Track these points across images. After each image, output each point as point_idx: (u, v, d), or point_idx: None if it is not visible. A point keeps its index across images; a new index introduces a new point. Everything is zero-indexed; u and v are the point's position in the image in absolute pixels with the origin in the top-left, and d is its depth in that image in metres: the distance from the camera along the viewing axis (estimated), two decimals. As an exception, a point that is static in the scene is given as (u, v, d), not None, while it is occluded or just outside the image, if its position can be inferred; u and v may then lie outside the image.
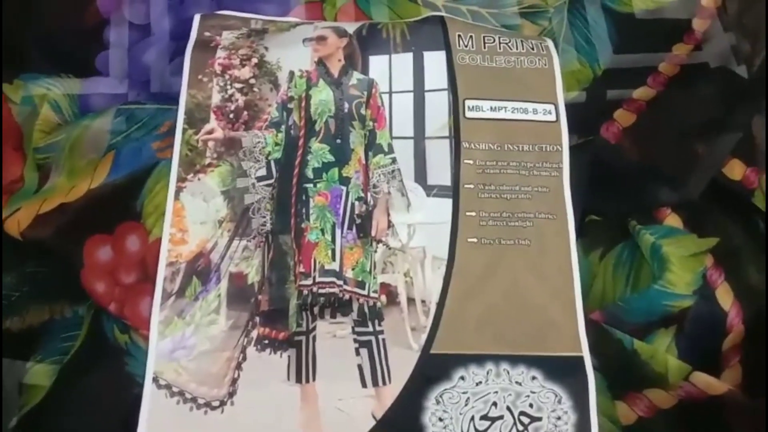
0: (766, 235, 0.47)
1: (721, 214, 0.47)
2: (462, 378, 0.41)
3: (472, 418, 0.40)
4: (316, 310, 0.42)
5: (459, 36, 0.49)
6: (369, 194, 0.45)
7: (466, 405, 0.40)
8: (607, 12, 0.52)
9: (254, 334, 0.42)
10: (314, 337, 0.42)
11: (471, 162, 0.46)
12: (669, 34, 0.52)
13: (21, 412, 0.43)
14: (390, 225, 0.45)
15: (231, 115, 0.46)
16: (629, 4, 0.53)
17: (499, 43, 0.49)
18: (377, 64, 0.48)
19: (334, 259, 0.44)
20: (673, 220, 0.46)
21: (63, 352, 0.44)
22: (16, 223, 0.44)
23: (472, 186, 0.45)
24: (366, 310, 0.43)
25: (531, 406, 0.41)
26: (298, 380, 0.41)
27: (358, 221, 0.45)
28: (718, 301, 0.44)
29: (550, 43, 0.50)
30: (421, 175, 0.46)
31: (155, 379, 0.40)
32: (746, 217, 0.48)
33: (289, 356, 0.41)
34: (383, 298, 0.43)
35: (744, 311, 0.44)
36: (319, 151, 0.46)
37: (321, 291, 0.43)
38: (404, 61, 0.48)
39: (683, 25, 0.52)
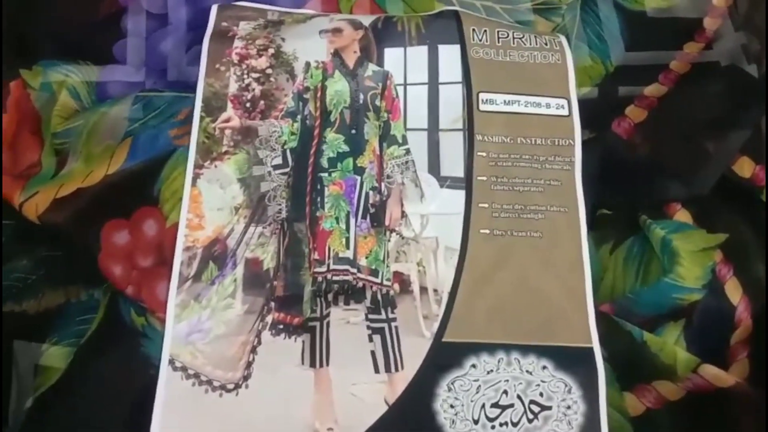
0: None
1: (730, 210, 0.48)
2: (473, 366, 0.41)
3: (483, 406, 0.41)
4: (330, 296, 0.43)
5: (473, 30, 0.50)
6: (383, 184, 0.46)
7: (477, 392, 0.41)
8: (619, 10, 0.53)
9: (269, 318, 0.42)
10: (328, 323, 0.42)
11: (484, 154, 0.46)
12: (680, 32, 0.53)
13: (36, 393, 0.43)
14: (403, 215, 0.45)
15: (248, 104, 0.47)
16: (641, 3, 0.53)
17: (513, 38, 0.50)
18: (392, 56, 0.49)
19: (348, 247, 0.44)
20: (683, 215, 0.47)
21: (78, 335, 0.44)
22: (34, 207, 0.45)
23: (484, 178, 0.46)
24: (379, 297, 0.43)
25: (541, 395, 0.41)
26: (312, 365, 0.41)
27: (372, 211, 0.45)
28: (727, 296, 0.45)
29: (563, 39, 0.51)
30: (434, 167, 0.46)
31: (171, 362, 0.41)
32: (755, 214, 0.48)
33: (303, 341, 0.42)
34: (396, 286, 0.44)
35: (752, 306, 0.45)
36: (334, 141, 0.46)
37: (335, 278, 0.43)
38: (419, 53, 0.49)
39: (694, 23, 0.53)
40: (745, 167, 0.48)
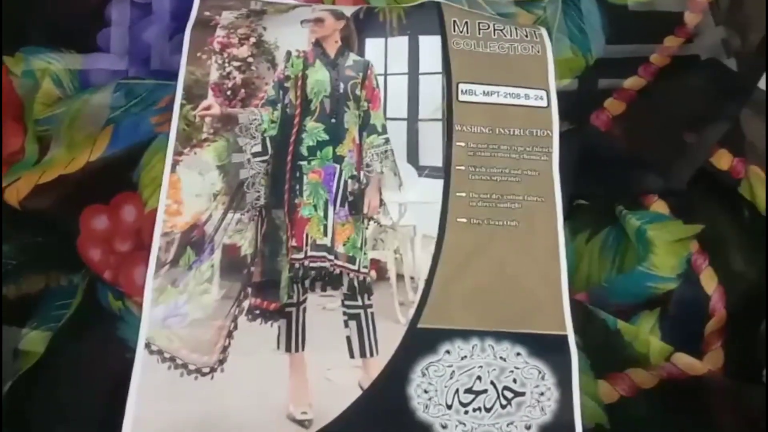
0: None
1: (707, 202, 0.48)
2: (447, 352, 0.42)
3: (457, 391, 0.41)
4: (307, 283, 0.43)
5: (454, 22, 0.50)
6: (362, 173, 0.46)
7: (450, 378, 0.41)
8: (600, 3, 0.53)
9: (246, 304, 0.42)
10: (304, 309, 0.43)
11: (463, 144, 0.47)
12: (661, 26, 0.53)
13: (15, 377, 0.43)
14: (382, 203, 0.46)
15: (228, 92, 0.47)
16: (623, -4, 0.54)
17: (494, 29, 0.50)
18: (373, 46, 0.49)
19: (326, 234, 0.44)
20: (659, 206, 0.47)
21: (57, 320, 0.44)
22: (15, 193, 0.45)
23: (463, 168, 0.46)
24: (356, 284, 0.44)
25: (515, 381, 0.41)
26: (288, 349, 0.42)
27: (351, 199, 0.45)
28: (702, 286, 0.45)
29: (543, 31, 0.51)
30: (413, 156, 0.47)
31: (147, 345, 0.41)
32: (732, 206, 0.48)
33: (279, 326, 0.42)
34: (373, 273, 0.44)
35: (727, 296, 0.45)
36: (314, 130, 0.46)
37: (312, 265, 0.44)
38: (400, 44, 0.49)
39: (675, 18, 0.53)
40: (723, 160, 0.49)
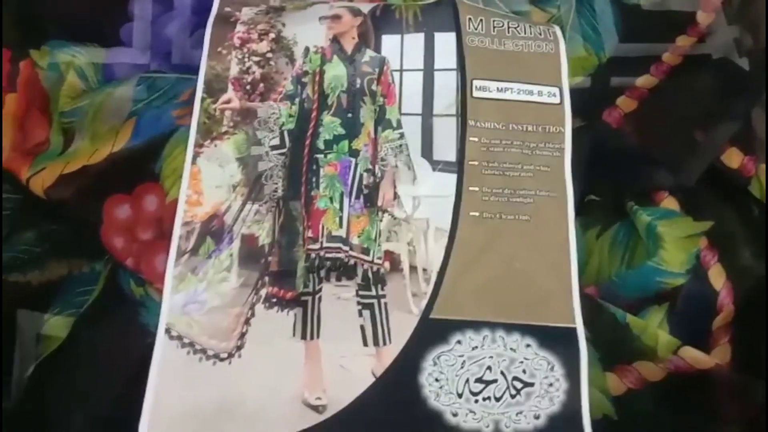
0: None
1: (717, 199, 0.49)
2: (459, 342, 0.42)
3: (467, 381, 0.42)
4: (322, 273, 0.44)
5: (469, 19, 0.51)
6: (377, 167, 0.47)
7: (461, 368, 0.42)
8: (614, 2, 0.54)
9: (263, 292, 0.44)
10: (320, 298, 0.44)
11: (476, 140, 0.48)
12: (673, 25, 0.53)
13: (37, 361, 0.45)
14: (396, 196, 0.46)
15: (248, 87, 0.48)
16: (636, -5, 0.54)
17: (508, 27, 0.51)
18: (389, 42, 0.50)
19: (341, 226, 0.45)
20: (670, 202, 0.48)
21: (79, 306, 0.46)
22: (41, 182, 0.46)
23: (476, 162, 0.47)
24: (370, 275, 0.45)
25: (524, 372, 0.42)
26: (303, 337, 0.43)
27: (366, 191, 0.46)
28: (710, 281, 0.46)
29: (557, 29, 0.52)
30: (427, 151, 0.48)
31: (167, 330, 0.42)
32: (742, 203, 0.49)
33: (295, 314, 0.43)
34: (387, 264, 0.45)
35: (735, 292, 0.46)
36: (331, 124, 0.47)
37: (328, 255, 0.45)
38: (416, 41, 0.50)
39: (688, 17, 0.54)
40: (734, 158, 0.49)
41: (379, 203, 0.46)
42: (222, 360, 0.42)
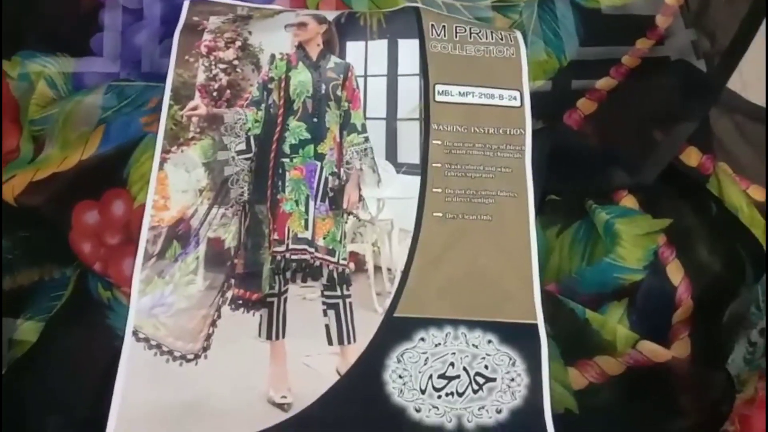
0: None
1: (676, 197, 0.50)
2: (422, 339, 0.43)
3: (431, 377, 0.43)
4: (288, 274, 0.45)
5: (432, 26, 0.52)
6: (342, 170, 0.48)
7: (425, 364, 0.43)
8: (575, 7, 0.55)
9: (229, 294, 0.44)
10: (285, 299, 0.45)
11: (439, 142, 0.49)
12: (633, 29, 0.55)
13: (9, 365, 0.45)
14: (361, 199, 0.48)
15: (214, 93, 0.49)
16: (596, 0, 0.55)
17: (470, 33, 0.52)
18: (354, 49, 0.51)
19: (306, 228, 0.46)
20: (629, 201, 0.49)
21: (50, 311, 0.46)
22: (11, 189, 0.47)
23: (439, 165, 0.48)
24: (335, 275, 0.45)
25: (486, 367, 0.43)
26: (269, 337, 0.44)
27: (331, 194, 0.48)
28: (669, 277, 0.47)
29: (518, 33, 0.53)
30: (391, 154, 0.49)
31: (135, 333, 0.43)
32: (700, 201, 0.50)
33: (261, 315, 0.44)
34: (352, 265, 0.46)
35: (693, 287, 0.47)
36: (297, 129, 0.48)
37: (293, 257, 0.46)
38: (379, 47, 0.51)
39: (647, 21, 0.55)
40: (692, 156, 0.51)
41: (344, 205, 0.47)
42: (189, 361, 0.43)
